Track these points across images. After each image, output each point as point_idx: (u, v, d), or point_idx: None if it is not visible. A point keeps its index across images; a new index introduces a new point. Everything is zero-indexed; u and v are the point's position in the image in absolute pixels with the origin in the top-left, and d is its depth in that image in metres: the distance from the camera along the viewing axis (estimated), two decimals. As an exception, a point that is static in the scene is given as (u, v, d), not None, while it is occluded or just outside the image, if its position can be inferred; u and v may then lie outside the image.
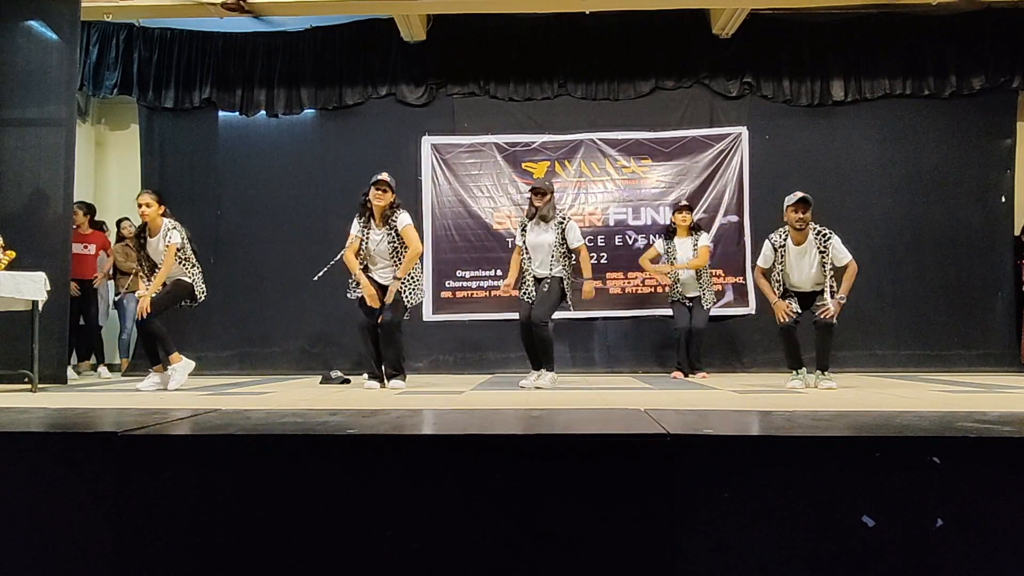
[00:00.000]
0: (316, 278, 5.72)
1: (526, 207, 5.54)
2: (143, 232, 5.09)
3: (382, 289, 5.10)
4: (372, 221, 5.14)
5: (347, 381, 5.75)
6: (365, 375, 5.28)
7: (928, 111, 7.42)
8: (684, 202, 6.66)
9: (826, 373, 5.03)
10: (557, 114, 7.60)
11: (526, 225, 5.37)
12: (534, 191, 5.34)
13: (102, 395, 4.70)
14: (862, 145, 7.44)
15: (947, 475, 1.79)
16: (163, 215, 5.05)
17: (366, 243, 5.15)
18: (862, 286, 7.32)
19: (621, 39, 7.46)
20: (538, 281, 5.26)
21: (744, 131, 7.44)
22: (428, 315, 7.40)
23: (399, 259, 5.10)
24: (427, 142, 7.61)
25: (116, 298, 7.41)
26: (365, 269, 5.16)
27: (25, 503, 1.93)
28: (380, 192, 5.04)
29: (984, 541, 1.78)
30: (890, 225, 7.35)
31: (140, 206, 5.00)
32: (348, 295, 5.26)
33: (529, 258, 5.31)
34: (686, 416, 2.52)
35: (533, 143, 7.57)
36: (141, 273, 5.19)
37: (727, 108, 7.52)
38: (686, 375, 6.30)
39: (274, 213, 7.61)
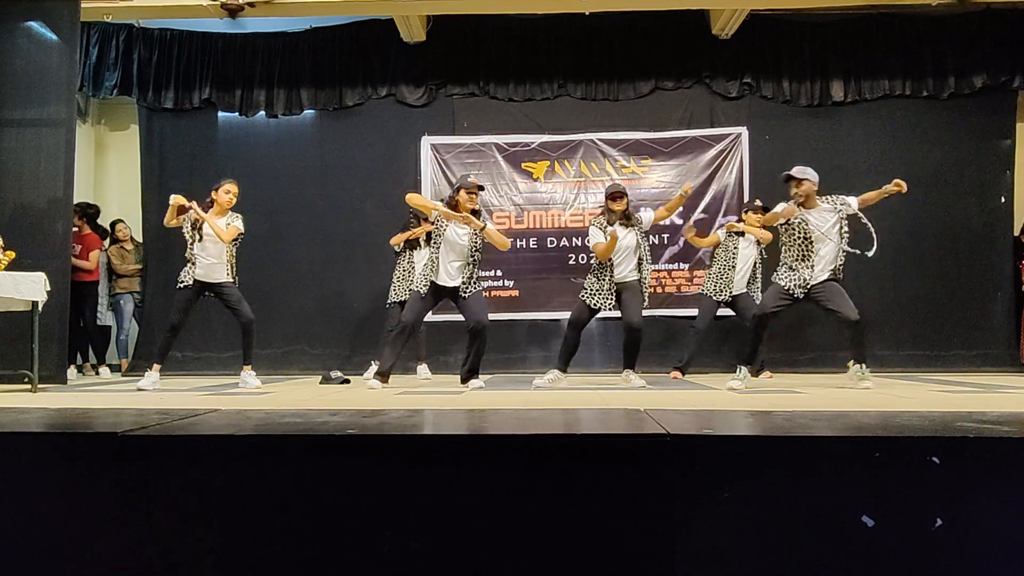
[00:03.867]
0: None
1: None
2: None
3: (451, 292, 5.07)
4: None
5: (347, 381, 5.75)
6: (365, 375, 5.28)
7: (928, 111, 7.41)
8: (758, 202, 6.33)
9: (863, 368, 4.82)
10: (557, 114, 7.59)
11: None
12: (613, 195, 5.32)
13: (102, 395, 4.70)
14: (862, 145, 7.42)
15: (947, 475, 1.79)
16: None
17: (443, 233, 5.05)
18: (863, 286, 7.36)
19: (621, 39, 7.45)
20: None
21: (744, 131, 7.43)
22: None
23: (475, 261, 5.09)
24: (427, 142, 7.60)
25: (112, 298, 7.42)
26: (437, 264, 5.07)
27: (25, 503, 1.93)
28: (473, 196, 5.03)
29: (984, 541, 1.77)
30: (890, 225, 7.32)
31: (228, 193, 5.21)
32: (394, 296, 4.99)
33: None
34: (686, 416, 2.52)
35: (533, 143, 7.56)
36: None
37: (727, 108, 7.52)
38: (684, 375, 6.29)
39: (274, 213, 7.60)
